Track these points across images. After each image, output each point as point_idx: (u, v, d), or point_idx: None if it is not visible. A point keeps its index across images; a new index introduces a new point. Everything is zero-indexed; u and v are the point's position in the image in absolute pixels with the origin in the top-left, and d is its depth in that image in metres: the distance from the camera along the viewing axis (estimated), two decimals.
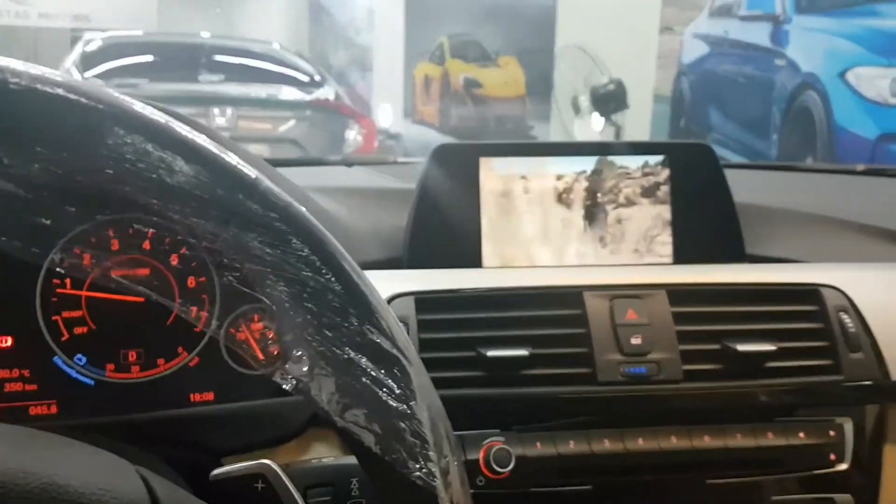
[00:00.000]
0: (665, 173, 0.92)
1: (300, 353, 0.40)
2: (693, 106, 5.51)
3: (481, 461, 0.74)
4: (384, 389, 0.39)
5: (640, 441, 0.77)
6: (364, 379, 0.39)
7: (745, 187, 0.98)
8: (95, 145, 0.38)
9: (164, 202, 0.40)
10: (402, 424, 0.39)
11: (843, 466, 0.81)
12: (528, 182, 0.91)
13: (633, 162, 0.92)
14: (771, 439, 0.79)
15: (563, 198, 0.91)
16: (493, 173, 0.90)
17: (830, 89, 4.26)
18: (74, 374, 0.71)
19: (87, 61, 4.37)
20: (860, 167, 1.39)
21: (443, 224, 0.89)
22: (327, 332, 0.40)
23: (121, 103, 0.39)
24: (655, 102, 5.75)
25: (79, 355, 0.71)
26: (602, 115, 4.77)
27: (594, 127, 4.79)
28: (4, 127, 0.38)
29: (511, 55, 6.77)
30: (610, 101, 4.79)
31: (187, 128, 0.41)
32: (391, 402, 0.39)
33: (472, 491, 0.52)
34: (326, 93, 4.62)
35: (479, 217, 0.89)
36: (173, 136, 0.40)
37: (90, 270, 0.72)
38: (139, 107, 0.40)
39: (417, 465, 0.39)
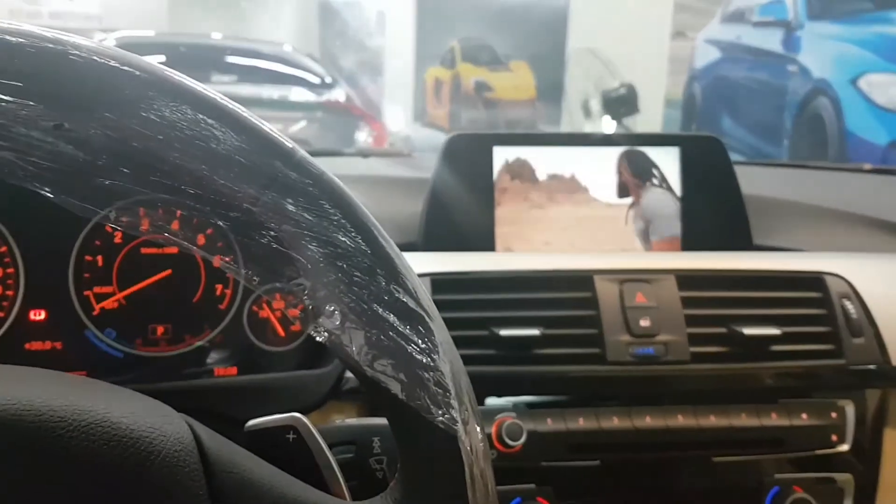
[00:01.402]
0: (676, 164, 0.95)
1: (332, 308, 0.43)
2: (704, 110, 5.52)
3: (494, 435, 0.77)
4: (410, 343, 0.42)
5: (648, 419, 0.79)
6: (391, 333, 0.42)
7: (754, 183, 1.01)
8: (148, 113, 0.41)
9: (211, 167, 0.43)
10: (426, 375, 0.42)
11: (845, 448, 0.83)
12: (539, 171, 0.93)
13: (646, 153, 0.95)
14: (774, 420, 0.81)
15: (574, 186, 0.94)
16: (507, 162, 0.93)
17: (842, 95, 4.26)
18: (104, 347, 0.74)
19: None
20: (867, 166, 1.41)
21: (457, 210, 0.91)
22: (357, 290, 0.43)
23: (171, 76, 0.43)
24: (667, 107, 5.77)
25: (109, 329, 0.74)
26: (613, 118, 4.79)
27: (604, 131, 4.81)
28: (66, 94, 0.41)
29: (522, 59, 6.79)
30: (621, 105, 4.80)
31: (231, 100, 0.44)
32: (416, 355, 0.42)
33: None
34: (337, 94, 4.66)
35: (493, 204, 0.92)
36: (219, 107, 0.43)
37: (121, 247, 0.75)
38: (188, 80, 0.43)
39: (440, 411, 0.41)
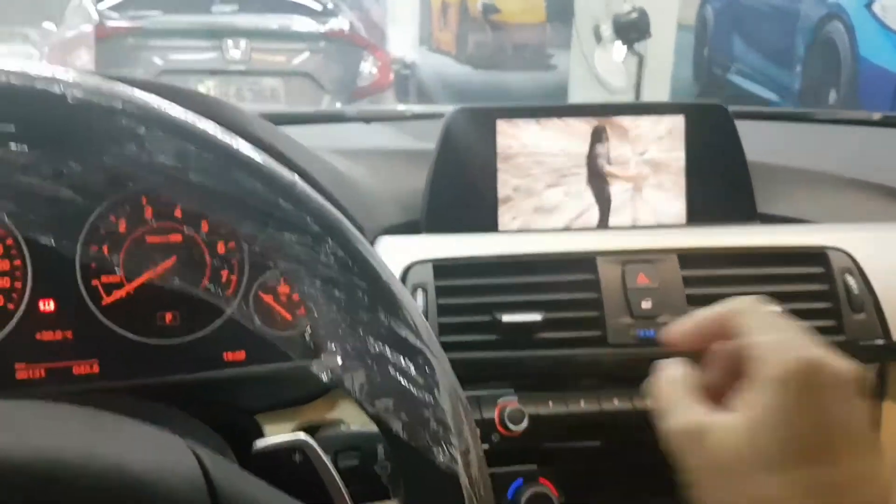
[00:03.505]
0: (681, 134, 0.94)
1: (334, 346, 0.44)
2: (716, 35, 5.41)
3: (496, 419, 0.78)
4: (411, 381, 0.43)
5: (648, 399, 0.81)
6: (391, 371, 0.43)
7: (758, 141, 0.99)
8: (146, 155, 0.41)
9: (208, 208, 0.43)
10: (427, 412, 0.43)
11: None
12: (544, 144, 0.92)
13: (651, 122, 0.94)
14: None
15: (579, 159, 0.93)
16: (510, 137, 0.92)
17: (856, 20, 4.17)
18: (114, 336, 0.75)
19: None
20: (877, 116, 1.38)
21: (460, 188, 0.91)
22: (358, 328, 0.43)
23: (166, 113, 0.42)
24: (679, 31, 5.64)
25: (118, 317, 0.76)
26: (624, 43, 4.70)
27: (615, 56, 4.72)
28: (63, 138, 0.41)
29: None
30: (632, 29, 4.71)
31: (227, 133, 0.44)
32: (416, 392, 0.43)
33: (486, 447, 0.56)
34: (340, 23, 4.56)
35: (496, 181, 0.92)
36: (215, 142, 0.43)
37: (126, 237, 0.76)
38: (182, 114, 0.43)
39: (440, 451, 0.43)
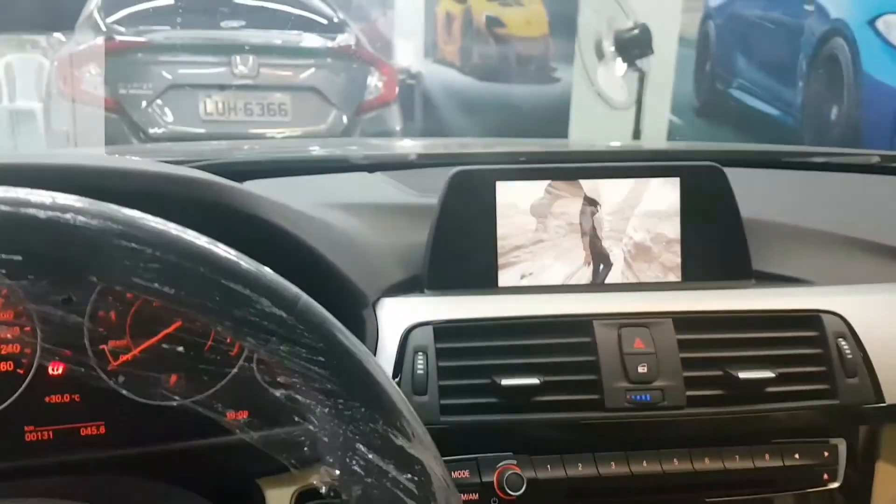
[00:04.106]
0: (676, 193, 0.95)
1: (332, 459, 0.45)
2: (718, 50, 5.42)
3: (495, 483, 0.80)
4: (408, 495, 0.45)
5: (644, 464, 0.82)
6: (387, 484, 0.45)
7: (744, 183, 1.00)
8: (150, 276, 0.43)
9: (212, 322, 0.45)
10: None
11: (836, 485, 0.86)
12: (543, 204, 0.94)
13: (646, 183, 0.95)
14: (767, 461, 0.84)
15: (575, 218, 0.95)
16: (509, 196, 0.93)
17: (859, 37, 4.17)
18: (121, 398, 0.77)
19: (108, 5, 4.36)
20: (875, 158, 1.38)
21: (461, 247, 0.93)
22: (356, 441, 0.45)
23: (170, 235, 0.44)
24: (681, 46, 5.66)
25: (124, 380, 0.77)
26: (625, 61, 4.71)
27: (617, 72, 4.74)
28: (74, 265, 0.43)
29: None
30: (634, 45, 4.73)
31: (231, 251, 0.46)
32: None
33: None
34: (347, 39, 4.59)
35: (496, 239, 0.93)
36: (217, 261, 0.45)
37: (133, 302, 0.77)
38: (185, 234, 0.44)
39: None
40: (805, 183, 1.34)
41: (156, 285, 0.43)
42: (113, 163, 0.79)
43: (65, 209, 0.42)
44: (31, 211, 0.41)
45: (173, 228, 0.44)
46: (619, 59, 4.77)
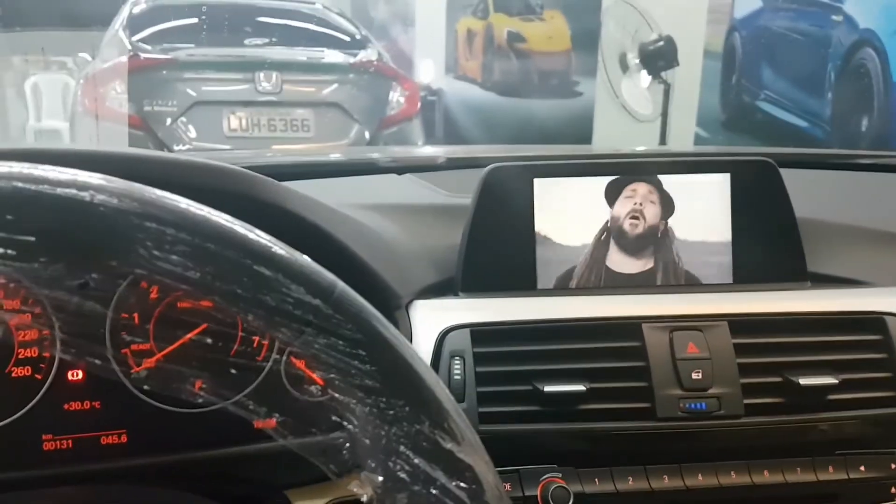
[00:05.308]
0: (727, 191, 0.90)
1: (373, 463, 0.40)
2: (745, 63, 5.36)
3: (539, 498, 0.75)
4: (457, 502, 0.40)
5: (700, 477, 0.77)
6: (435, 492, 0.40)
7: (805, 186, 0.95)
8: (172, 265, 0.39)
9: (241, 311, 0.41)
10: None
11: None
12: (583, 202, 0.89)
13: (695, 178, 0.90)
14: (831, 473, 0.79)
15: (620, 216, 0.90)
16: (548, 193, 0.89)
17: (889, 46, 4.12)
18: (143, 405, 0.73)
19: (133, 24, 4.40)
20: None
21: (497, 247, 0.88)
22: (400, 443, 0.40)
23: (196, 216, 0.40)
24: (706, 58, 5.61)
25: (147, 386, 0.73)
26: (650, 73, 4.67)
27: (642, 84, 4.69)
28: (86, 248, 0.38)
29: (556, 8, 6.64)
30: (659, 58, 4.68)
31: (262, 234, 0.41)
32: None
33: None
34: (369, 55, 4.61)
35: (534, 239, 0.88)
36: (247, 243, 0.40)
37: (157, 304, 0.73)
38: (212, 215, 0.40)
39: None
40: (849, 184, 1.28)
41: (179, 269, 0.39)
42: (146, 153, 0.75)
43: (83, 186, 0.38)
44: (46, 188, 0.37)
45: (199, 209, 0.40)
46: (644, 72, 4.72)
